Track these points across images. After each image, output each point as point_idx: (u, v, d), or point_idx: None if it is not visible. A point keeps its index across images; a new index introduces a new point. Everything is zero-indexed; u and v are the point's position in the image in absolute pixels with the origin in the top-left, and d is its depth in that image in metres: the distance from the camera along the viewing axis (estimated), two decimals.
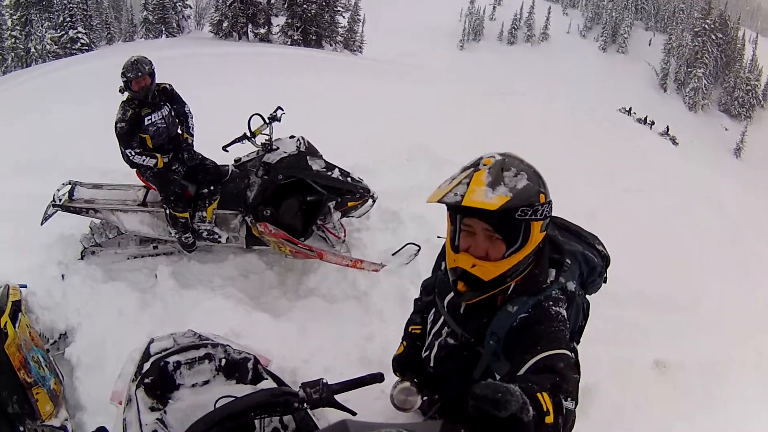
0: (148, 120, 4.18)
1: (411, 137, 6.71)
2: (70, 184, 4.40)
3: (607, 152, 7.87)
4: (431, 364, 2.03)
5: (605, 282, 2.06)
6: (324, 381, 1.62)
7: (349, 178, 4.35)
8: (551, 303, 1.59)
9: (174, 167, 4.27)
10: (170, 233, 4.38)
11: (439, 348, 1.96)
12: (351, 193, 4.36)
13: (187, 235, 4.35)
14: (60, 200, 4.27)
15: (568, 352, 1.44)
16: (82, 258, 4.47)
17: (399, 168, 5.64)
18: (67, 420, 3.11)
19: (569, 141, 8.30)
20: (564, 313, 1.60)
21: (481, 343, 1.70)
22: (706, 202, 7.36)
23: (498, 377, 1.71)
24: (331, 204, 4.32)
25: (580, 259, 1.88)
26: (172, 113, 4.37)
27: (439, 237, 2.02)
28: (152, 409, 1.92)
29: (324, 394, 1.59)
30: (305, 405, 1.57)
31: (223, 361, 2.07)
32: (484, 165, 1.49)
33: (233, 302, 3.97)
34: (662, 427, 3.45)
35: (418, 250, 4.50)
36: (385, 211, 4.88)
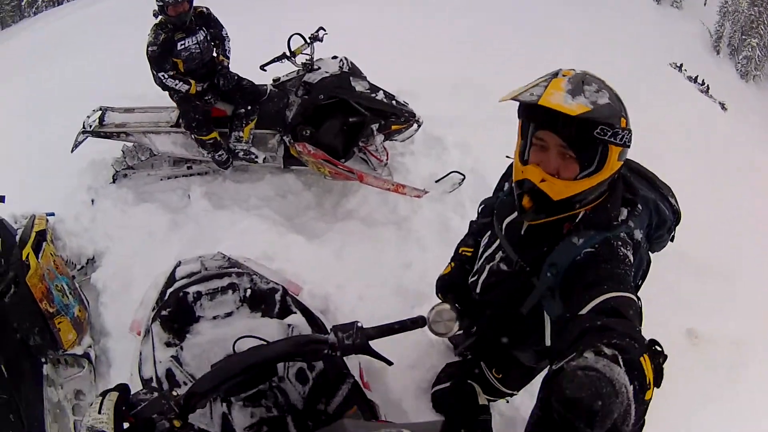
0: (181, 45, 4.01)
1: (455, 68, 6.40)
2: (100, 109, 4.32)
3: (653, 107, 7.46)
4: (477, 290, 1.91)
5: (672, 241, 1.87)
6: (358, 324, 1.42)
7: (393, 101, 4.15)
8: (620, 243, 1.44)
9: (207, 97, 4.14)
10: (203, 153, 4.26)
11: (489, 273, 1.84)
12: (395, 116, 4.16)
13: (219, 153, 4.22)
14: (90, 126, 4.21)
15: (635, 298, 1.28)
16: (114, 182, 4.45)
17: (443, 96, 5.36)
18: (90, 347, 3.14)
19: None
20: (632, 257, 1.45)
21: (537, 274, 1.58)
22: (753, 172, 6.93)
23: (547, 319, 1.62)
24: (374, 126, 4.13)
25: (652, 207, 1.70)
26: (208, 38, 4.17)
27: (507, 156, 1.82)
28: (168, 344, 1.81)
29: (357, 339, 1.40)
30: (335, 352, 1.39)
31: (249, 291, 1.93)
32: (564, 75, 1.35)
33: (268, 223, 3.86)
34: (688, 401, 3.19)
35: (463, 179, 4.29)
36: (429, 136, 4.66)
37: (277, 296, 1.93)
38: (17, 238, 3.00)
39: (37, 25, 13.65)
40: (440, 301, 2.04)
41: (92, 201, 4.25)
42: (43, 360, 2.84)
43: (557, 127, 1.34)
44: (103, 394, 1.06)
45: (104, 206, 4.13)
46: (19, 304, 2.73)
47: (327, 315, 3.17)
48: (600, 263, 1.39)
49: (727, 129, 9.09)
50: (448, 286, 2.14)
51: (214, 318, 1.85)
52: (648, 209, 1.65)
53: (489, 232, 1.91)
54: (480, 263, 1.90)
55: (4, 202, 3.03)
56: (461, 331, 2.27)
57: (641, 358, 0.97)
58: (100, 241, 3.86)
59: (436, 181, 4.31)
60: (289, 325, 1.80)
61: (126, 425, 1.08)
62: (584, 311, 1.24)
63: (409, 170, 4.38)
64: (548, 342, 1.69)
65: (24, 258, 2.87)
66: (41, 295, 2.85)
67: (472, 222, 2.27)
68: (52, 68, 7.25)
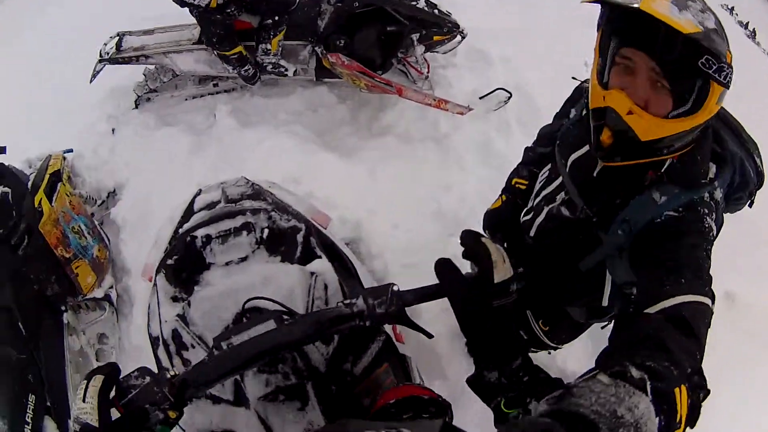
0: None
1: None
2: (117, 35, 4.03)
3: None
4: (531, 233, 1.68)
5: (750, 206, 1.58)
6: (394, 288, 1.16)
7: (436, 10, 3.79)
8: (706, 210, 1.24)
9: (230, 10, 3.76)
10: (229, 69, 3.96)
11: (547, 217, 1.63)
12: (437, 27, 3.80)
13: (246, 68, 3.91)
14: (108, 54, 3.93)
15: (710, 302, 1.10)
16: (136, 107, 4.24)
17: (489, 7, 4.93)
18: (112, 287, 3.10)
19: None
20: (715, 229, 1.26)
21: (605, 228, 1.37)
22: None
23: (608, 279, 1.46)
24: (415, 36, 3.78)
25: (737, 165, 1.40)
26: None
27: (573, 78, 1.48)
28: (174, 299, 1.55)
29: (392, 307, 1.14)
30: (366, 323, 1.14)
31: (266, 231, 1.62)
32: None
33: (297, 140, 3.61)
34: (717, 367, 2.88)
35: (509, 97, 3.95)
36: (472, 49, 4.28)
37: (299, 236, 1.63)
38: (29, 184, 2.89)
39: None
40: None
41: (113, 130, 4.05)
42: (63, 308, 2.77)
43: (654, 46, 1.10)
44: (89, 376, 0.93)
45: (125, 134, 3.95)
46: (34, 255, 2.65)
47: (358, 244, 3.03)
48: (683, 235, 1.20)
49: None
50: (498, 223, 1.92)
51: (227, 264, 1.56)
52: (732, 167, 1.38)
53: (549, 166, 1.66)
54: (536, 201, 1.68)
55: (5, 152, 2.87)
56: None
57: (676, 389, 0.83)
58: (120, 173, 3.69)
59: (480, 98, 3.97)
60: (312, 273, 1.52)
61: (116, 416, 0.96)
62: (652, 310, 1.06)
63: (451, 84, 4.05)
64: (605, 302, 1.50)
65: (36, 204, 2.77)
66: (56, 241, 2.77)
67: (527, 149, 1.99)
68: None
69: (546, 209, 1.61)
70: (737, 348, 2.95)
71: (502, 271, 1.09)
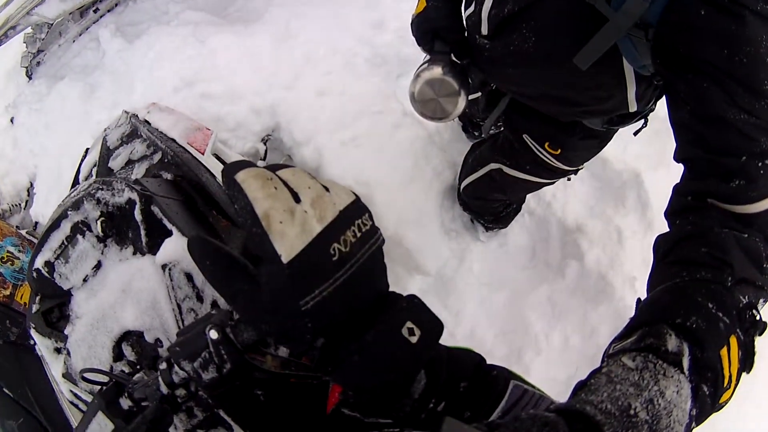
0: None
1: None
2: None
3: None
4: (482, 30, 1.21)
5: None
6: (211, 335, 0.69)
7: None
8: None
9: None
10: None
11: None
12: None
13: None
14: None
15: None
16: (30, 78, 3.74)
17: None
18: None
19: None
20: None
21: None
22: None
23: (631, 76, 1.05)
24: None
25: None
26: None
27: None
28: (57, 351, 1.29)
29: (225, 366, 0.68)
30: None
31: (101, 222, 1.22)
32: None
33: (190, 30, 2.98)
34: None
35: None
36: None
37: (137, 213, 1.22)
38: None
39: None
40: (424, 61, 1.34)
41: (11, 120, 3.60)
42: (32, 342, 2.52)
43: None
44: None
45: (21, 119, 3.50)
46: None
47: (279, 134, 2.52)
48: (746, 20, 0.76)
49: None
50: (431, 29, 1.34)
51: (85, 281, 1.23)
52: None
53: None
54: None
55: None
56: (477, 94, 1.60)
57: (724, 349, 0.69)
58: (29, 163, 3.28)
59: None
60: (164, 267, 1.15)
61: None
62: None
63: None
64: (633, 107, 1.16)
65: None
66: None
67: None
68: None
69: None
70: None
71: (293, 231, 0.52)
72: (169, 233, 1.18)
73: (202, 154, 1.55)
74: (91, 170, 1.67)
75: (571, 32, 1.00)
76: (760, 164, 0.79)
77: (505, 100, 1.55)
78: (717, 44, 0.80)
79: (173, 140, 1.56)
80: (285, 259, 0.50)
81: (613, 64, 1.03)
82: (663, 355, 0.66)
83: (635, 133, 1.51)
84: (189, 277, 1.14)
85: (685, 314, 0.71)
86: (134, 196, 1.22)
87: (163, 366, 0.74)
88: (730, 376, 0.70)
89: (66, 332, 1.20)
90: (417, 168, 2.33)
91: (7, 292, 2.57)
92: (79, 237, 1.24)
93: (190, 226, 1.22)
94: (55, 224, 1.27)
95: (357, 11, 2.85)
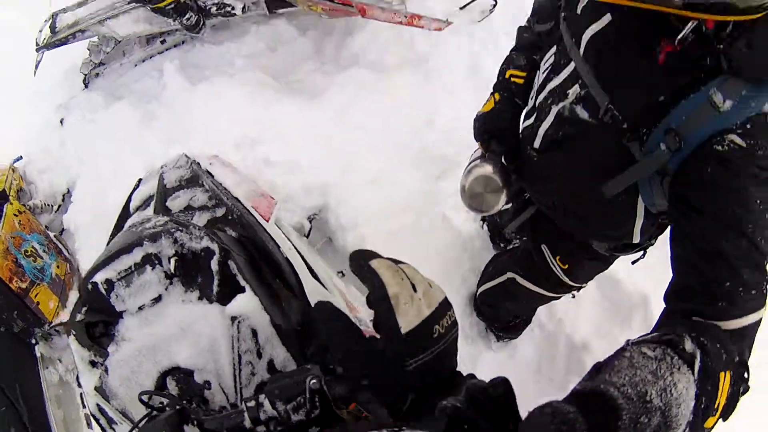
0: None
1: None
2: (51, 17, 3.63)
3: None
4: (536, 143, 1.35)
5: None
6: (311, 382, 0.84)
7: None
8: None
9: None
10: (170, 22, 3.53)
11: (557, 120, 1.25)
12: None
13: (187, 17, 3.47)
14: (44, 40, 3.55)
15: (762, 314, 0.97)
16: (86, 86, 3.88)
17: None
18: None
19: None
20: None
21: (641, 139, 1.06)
22: None
23: (641, 207, 1.20)
24: None
25: None
26: None
27: None
28: (92, 364, 1.28)
29: (314, 411, 0.83)
30: None
31: (174, 261, 1.30)
32: None
33: (254, 90, 3.19)
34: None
35: (494, 5, 3.40)
36: None
37: (214, 263, 1.30)
38: None
39: None
40: (479, 154, 1.48)
41: (61, 121, 3.69)
42: (33, 341, 2.69)
43: None
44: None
45: (73, 122, 3.60)
46: None
47: (327, 214, 2.68)
48: (746, 179, 0.94)
49: None
50: (494, 129, 1.51)
51: (141, 309, 1.28)
52: None
53: (555, 49, 1.27)
54: (540, 99, 1.33)
55: None
56: (509, 204, 1.72)
57: (722, 373, 0.78)
58: (72, 169, 3.37)
59: (461, 8, 3.40)
60: (234, 319, 1.22)
61: None
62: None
63: None
64: (636, 238, 1.27)
65: None
66: (9, 273, 2.62)
67: (521, 29, 1.56)
68: None
69: (555, 109, 1.25)
70: None
71: (409, 312, 0.71)
72: (242, 289, 1.26)
73: (266, 221, 1.60)
74: (145, 202, 1.72)
75: (606, 164, 1.16)
76: (741, 291, 0.95)
77: (530, 210, 1.71)
78: (719, 195, 0.97)
79: (237, 200, 1.62)
80: (404, 331, 0.69)
81: (630, 199, 1.20)
82: (680, 353, 0.75)
83: (633, 262, 1.66)
84: (254, 333, 1.21)
85: (700, 333, 0.82)
86: (214, 246, 1.30)
87: (251, 404, 0.85)
88: (720, 403, 0.79)
89: (108, 349, 1.23)
90: (447, 271, 2.50)
91: (24, 285, 2.63)
92: (148, 267, 1.30)
93: (261, 289, 1.30)
94: (127, 248, 1.31)
95: (410, 105, 3.06)
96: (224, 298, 1.25)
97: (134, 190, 1.79)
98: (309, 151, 2.77)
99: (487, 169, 1.41)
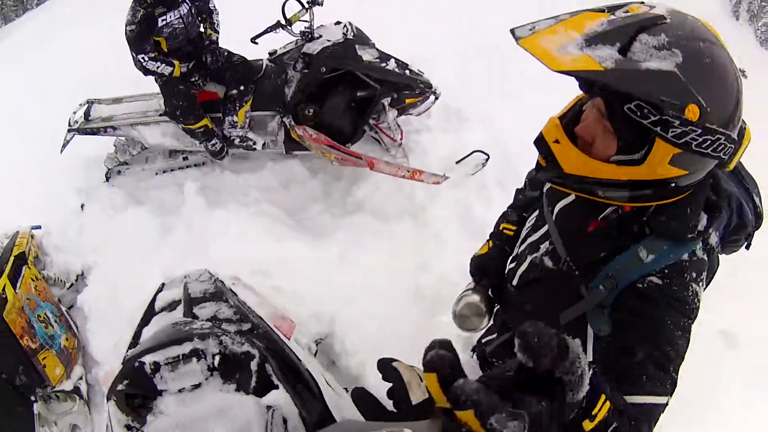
0: (163, 21, 3.57)
1: (474, 27, 5.68)
2: (87, 103, 3.96)
3: None
4: (514, 282, 1.62)
5: (747, 248, 1.48)
6: None
7: (407, 71, 3.70)
8: (694, 274, 1.18)
9: (194, 79, 3.74)
10: (196, 143, 3.88)
11: (530, 266, 1.53)
12: (409, 88, 3.72)
13: (213, 143, 3.83)
14: (76, 123, 3.87)
15: (666, 400, 1.10)
16: (107, 180, 4.14)
17: (464, 61, 4.83)
18: (81, 378, 2.99)
19: None
20: (700, 293, 1.19)
21: (587, 283, 1.29)
22: None
23: (590, 332, 1.33)
24: (386, 101, 3.69)
25: (734, 206, 1.31)
26: (193, 11, 3.70)
27: None
28: (128, 428, 1.45)
29: None
30: None
31: (218, 358, 1.54)
32: (622, 10, 1.02)
33: (267, 222, 3.51)
34: (726, 412, 2.81)
35: (487, 160, 3.83)
36: (447, 108, 4.19)
37: (254, 364, 1.54)
38: None
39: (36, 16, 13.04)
40: (471, 287, 1.78)
41: (82, 206, 3.94)
42: (33, 399, 2.69)
43: (580, 83, 1.06)
44: None
45: (93, 211, 3.85)
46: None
47: (332, 341, 2.91)
48: (663, 310, 1.15)
49: (749, 94, 8.65)
50: (484, 269, 1.82)
51: (180, 391, 1.48)
52: (730, 209, 1.30)
53: (537, 212, 1.58)
54: (521, 249, 1.61)
55: None
56: (494, 335, 2.02)
57: (603, 396, 0.81)
58: (88, 255, 3.56)
59: (457, 162, 3.86)
60: (268, 408, 1.42)
61: None
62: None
63: (425, 151, 3.92)
64: (590, 357, 1.37)
65: (1, 291, 2.70)
66: (21, 331, 2.68)
67: (518, 191, 1.91)
68: (42, 59, 6.63)
69: (529, 258, 1.53)
70: (743, 387, 2.90)
71: (418, 392, 0.99)
72: (276, 387, 1.47)
73: (288, 339, 1.81)
74: (170, 305, 1.88)
75: (562, 299, 1.39)
76: (645, 378, 1.10)
77: (507, 334, 1.94)
78: (640, 319, 1.18)
79: (261, 318, 1.83)
80: (413, 403, 0.95)
81: (581, 324, 1.38)
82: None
83: None
84: (285, 420, 1.40)
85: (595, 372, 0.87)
86: (254, 351, 1.53)
87: None
88: (596, 414, 0.81)
89: (147, 418, 1.40)
90: None
91: (33, 346, 2.71)
92: (194, 359, 1.50)
93: (290, 388, 1.51)
94: (178, 341, 1.53)
95: (408, 248, 3.37)
96: (259, 393, 1.46)
97: (158, 292, 1.95)
98: (314, 286, 3.01)
99: (475, 298, 1.71)
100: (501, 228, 1.86)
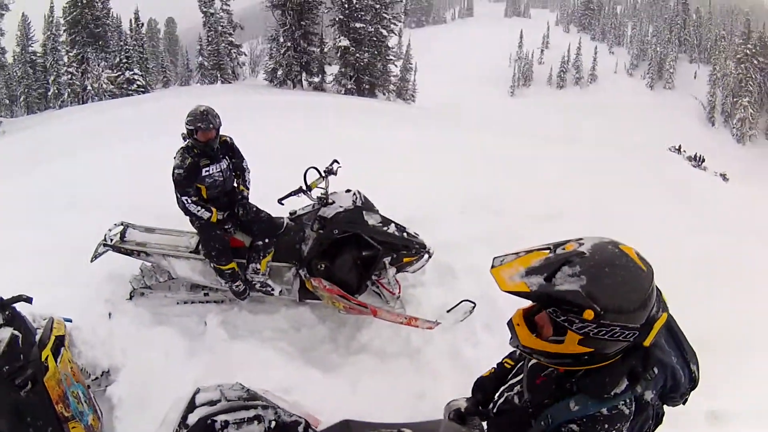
0: (206, 171, 4.17)
1: (465, 188, 6.63)
2: (122, 225, 4.45)
3: (659, 195, 7.88)
4: (494, 410, 2.03)
5: (684, 404, 1.90)
6: None
7: (405, 234, 4.32)
8: (607, 425, 1.50)
9: (227, 227, 4.29)
10: (221, 282, 4.37)
11: (505, 400, 1.95)
12: (407, 249, 4.31)
13: (237, 284, 4.33)
14: (111, 240, 4.34)
15: None
16: (131, 298, 4.53)
17: (453, 219, 5.58)
18: None
19: (620, 187, 8.15)
20: None
21: (535, 416, 1.67)
22: (761, 240, 7.14)
23: None
24: (387, 259, 4.27)
25: (668, 373, 1.73)
26: (230, 167, 4.36)
27: None
28: None
29: None
30: None
31: (273, 423, 2.06)
32: (561, 247, 1.47)
33: (283, 356, 3.94)
34: None
35: (473, 307, 4.39)
36: (439, 264, 4.80)
37: (300, 429, 2.07)
38: (37, 338, 3.01)
39: (64, 119, 14.12)
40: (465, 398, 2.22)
41: (109, 314, 4.29)
42: None
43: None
44: None
45: (121, 321, 4.16)
46: (36, 403, 2.77)
47: None
48: None
49: (732, 200, 9.50)
50: (480, 387, 2.24)
51: None
52: (664, 374, 1.68)
53: (524, 361, 1.99)
54: (504, 387, 2.02)
55: (31, 302, 3.08)
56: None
57: None
58: (115, 356, 3.84)
59: (448, 311, 4.39)
60: None
61: None
62: None
63: (420, 302, 4.49)
64: None
65: (43, 359, 2.88)
66: (57, 398, 2.86)
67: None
68: (73, 163, 7.55)
69: (506, 394, 1.96)
70: None
71: None
72: None
73: (315, 428, 2.23)
74: (210, 402, 2.15)
75: (519, 425, 1.75)
76: None
77: None
78: None
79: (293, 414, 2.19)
80: None
81: None
82: None
83: None
84: None
85: None
86: (301, 420, 2.06)
87: None
88: None
89: None
90: None
91: (66, 414, 2.89)
92: (255, 422, 2.02)
93: None
94: (247, 406, 2.07)
95: (406, 382, 3.78)
96: None
97: (195, 394, 2.21)
98: (327, 406, 3.05)
99: (462, 403, 2.17)
100: (503, 361, 2.29)
